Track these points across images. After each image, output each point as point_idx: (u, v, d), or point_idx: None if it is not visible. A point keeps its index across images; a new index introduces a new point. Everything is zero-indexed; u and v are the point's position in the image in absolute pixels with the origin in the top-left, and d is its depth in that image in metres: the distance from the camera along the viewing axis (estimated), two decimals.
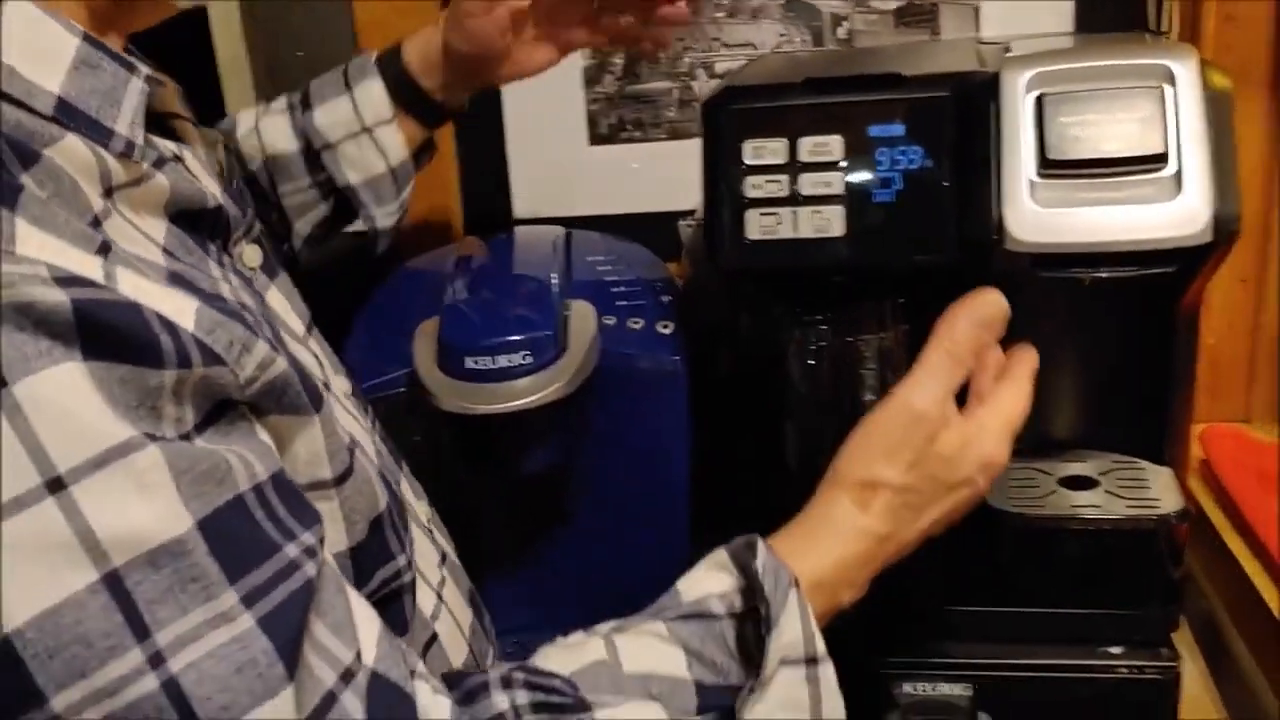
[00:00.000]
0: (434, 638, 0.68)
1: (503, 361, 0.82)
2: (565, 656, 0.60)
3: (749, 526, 0.86)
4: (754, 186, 0.79)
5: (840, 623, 0.76)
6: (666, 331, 0.93)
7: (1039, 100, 0.72)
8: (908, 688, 0.84)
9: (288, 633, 0.47)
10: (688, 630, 0.61)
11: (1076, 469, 0.86)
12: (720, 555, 0.65)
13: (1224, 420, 1.13)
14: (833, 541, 0.67)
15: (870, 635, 0.84)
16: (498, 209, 1.20)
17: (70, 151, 0.50)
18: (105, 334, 0.44)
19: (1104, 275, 0.73)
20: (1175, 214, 0.70)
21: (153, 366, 0.45)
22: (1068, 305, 0.84)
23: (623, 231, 1.12)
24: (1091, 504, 0.82)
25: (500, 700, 0.55)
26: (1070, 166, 0.72)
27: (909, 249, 0.76)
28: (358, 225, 0.94)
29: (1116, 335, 0.85)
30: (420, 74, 0.92)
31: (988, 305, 0.70)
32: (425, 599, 0.68)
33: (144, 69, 0.57)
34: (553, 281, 0.90)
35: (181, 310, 0.48)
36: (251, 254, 0.66)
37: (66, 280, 0.44)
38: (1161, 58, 0.72)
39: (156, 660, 0.43)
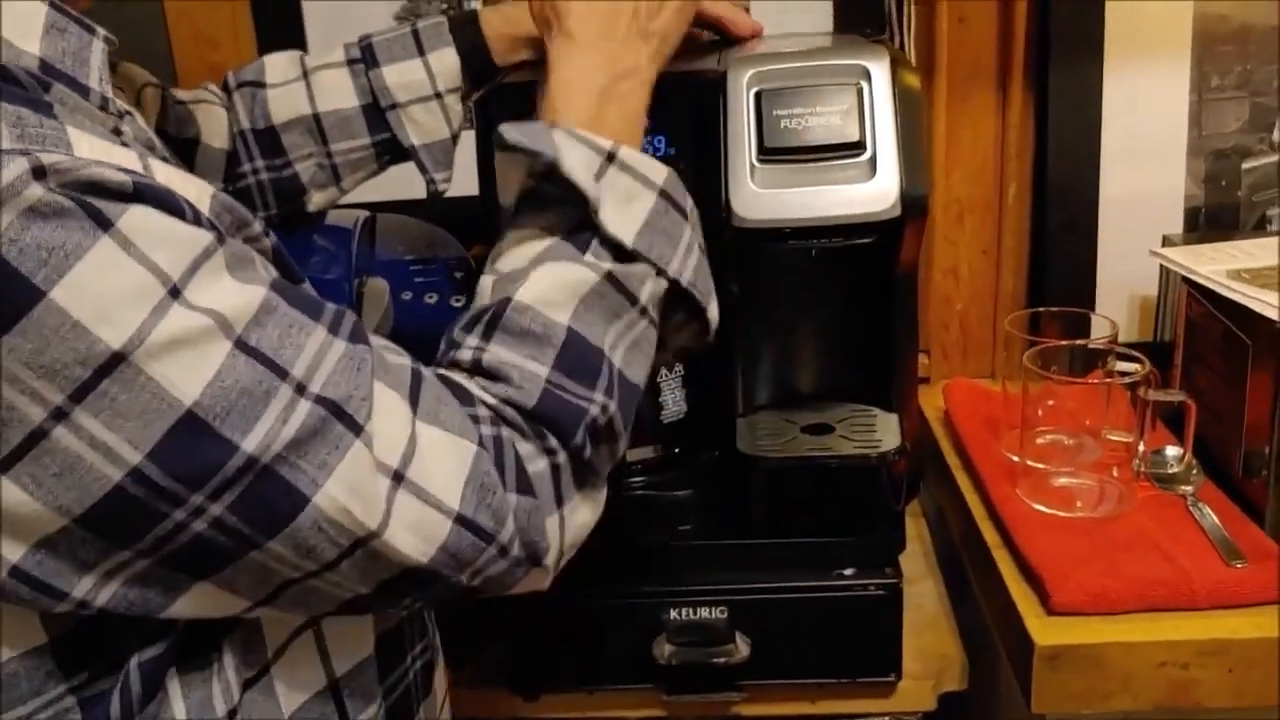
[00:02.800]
0: None
1: None
2: (474, 305, 0.69)
3: None
4: None
5: (614, 563, 0.88)
6: (459, 305, 1.02)
7: (757, 96, 0.84)
8: (673, 614, 0.95)
9: (368, 342, 0.59)
10: (522, 220, 0.71)
11: (817, 418, 0.98)
12: (498, 160, 0.74)
13: (973, 376, 1.27)
14: (552, 73, 0.73)
15: (639, 571, 0.96)
16: None
17: (59, 90, 0.58)
18: (155, 203, 0.53)
19: (814, 246, 0.85)
20: (871, 193, 0.82)
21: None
22: (804, 275, 0.96)
23: (438, 215, 1.19)
24: (824, 445, 0.95)
25: (466, 353, 0.65)
26: (784, 153, 0.83)
27: None
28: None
29: (848, 300, 0.97)
30: (499, 53, 0.95)
31: None
32: None
33: (101, 30, 0.64)
34: (351, 259, 0.99)
35: (200, 196, 0.57)
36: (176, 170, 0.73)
37: (122, 169, 0.53)
38: (860, 59, 0.84)
39: (300, 388, 0.55)
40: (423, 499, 0.58)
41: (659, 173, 0.71)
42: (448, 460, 0.59)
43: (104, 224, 0.51)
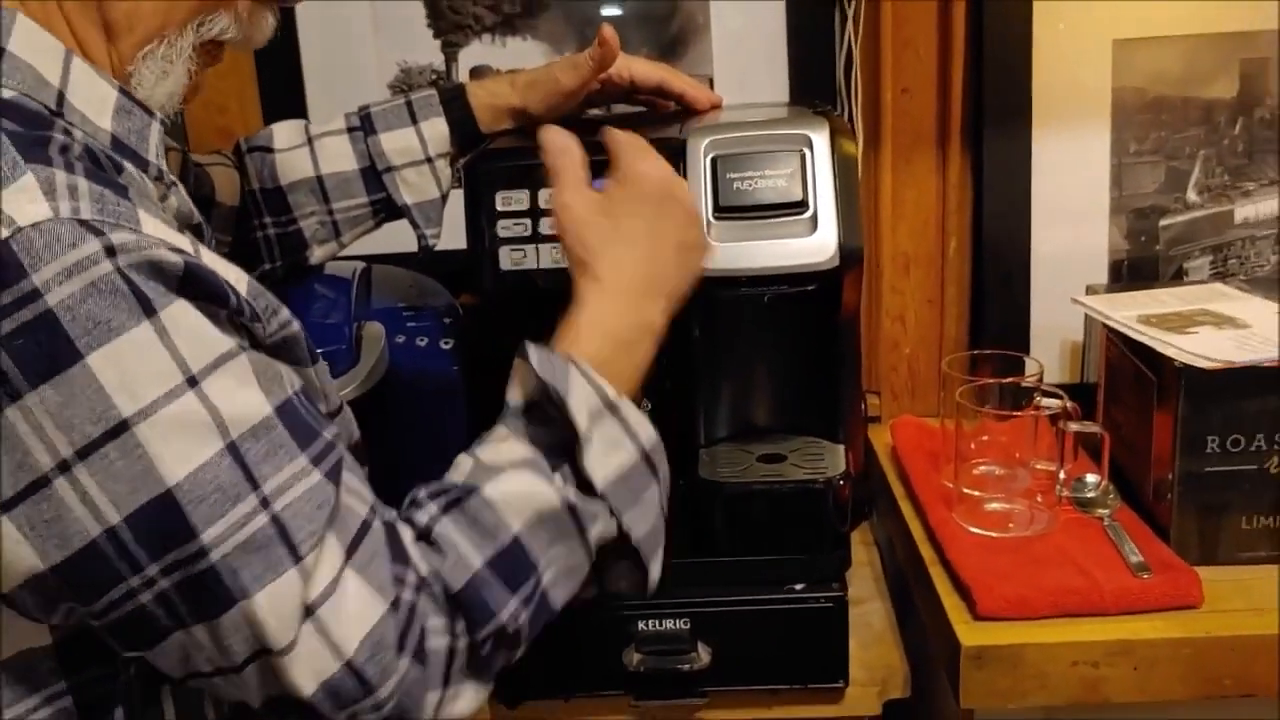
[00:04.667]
0: None
1: None
2: (447, 476, 0.76)
3: None
4: (504, 228, 0.99)
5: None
6: (447, 347, 1.13)
7: (714, 161, 0.95)
8: (641, 625, 1.04)
9: (338, 483, 0.66)
10: (518, 424, 0.76)
11: (771, 448, 1.08)
12: (516, 364, 0.78)
13: (920, 415, 1.38)
14: (579, 310, 0.80)
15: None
16: None
17: (130, 173, 0.68)
18: (199, 285, 0.62)
19: (765, 293, 0.96)
20: (812, 246, 0.94)
21: (222, 307, 0.63)
22: (758, 319, 1.07)
23: (428, 267, 1.29)
24: (777, 473, 1.05)
25: (422, 516, 0.71)
26: (737, 211, 0.94)
27: None
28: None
29: (798, 341, 1.08)
30: (485, 122, 1.06)
31: (550, 131, 0.86)
32: None
33: (158, 114, 0.74)
34: (350, 305, 1.09)
35: (238, 280, 0.66)
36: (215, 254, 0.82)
37: (176, 250, 0.62)
38: (803, 129, 0.95)
39: (265, 502, 0.62)
40: (325, 637, 0.64)
41: (648, 436, 0.78)
42: (359, 612, 0.65)
43: (149, 310, 0.60)
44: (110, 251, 0.59)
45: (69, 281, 0.58)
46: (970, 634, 0.94)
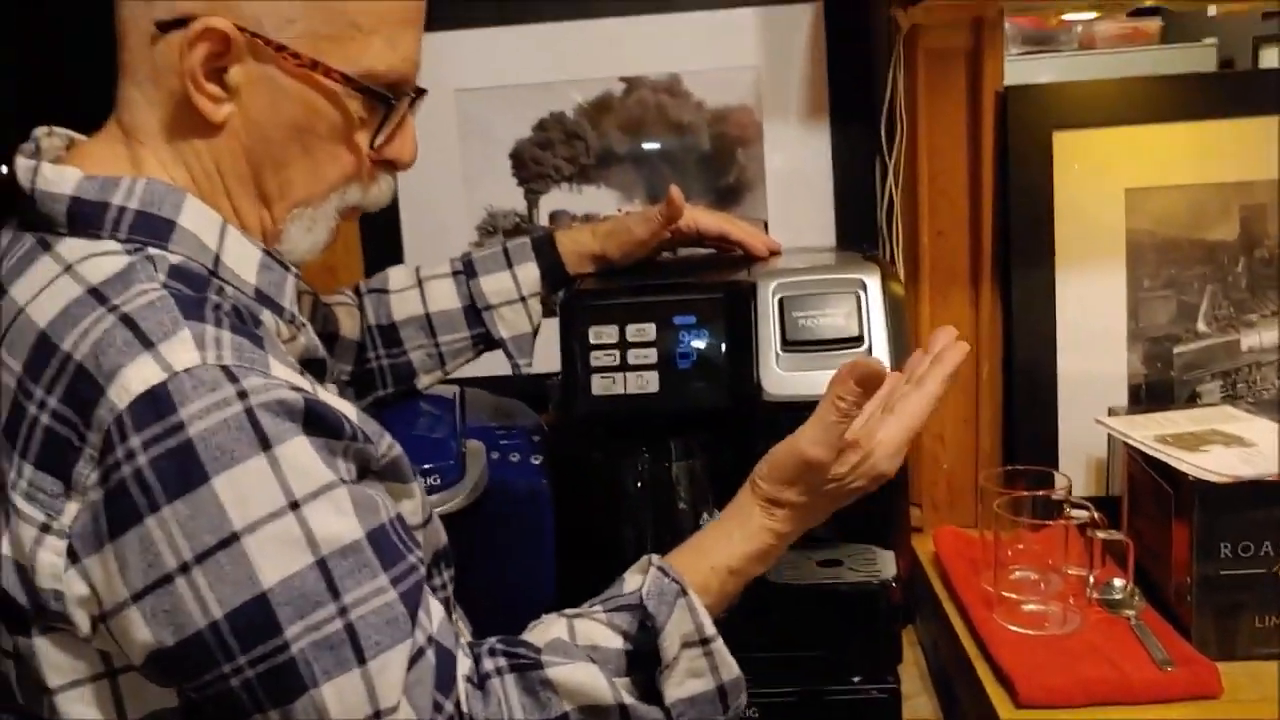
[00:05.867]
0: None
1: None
2: (538, 631, 0.87)
3: None
4: (595, 358, 1.13)
5: None
6: (537, 463, 1.26)
7: (781, 301, 1.09)
8: None
9: (413, 606, 0.76)
10: (620, 617, 0.87)
11: (829, 554, 1.21)
12: (643, 560, 0.90)
13: (959, 525, 1.49)
14: (743, 539, 0.91)
15: None
16: None
17: (267, 319, 0.83)
18: (318, 419, 0.74)
19: None
20: None
21: (338, 438, 0.75)
22: None
23: (507, 389, 1.44)
24: (836, 575, 1.17)
25: (488, 664, 0.82)
26: (802, 344, 1.08)
27: (701, 400, 1.11)
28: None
29: None
30: (571, 265, 1.22)
31: (866, 367, 0.88)
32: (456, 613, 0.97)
33: (293, 269, 0.88)
34: (455, 423, 1.23)
35: (347, 410, 0.78)
36: (332, 390, 0.94)
37: (297, 389, 0.75)
38: (858, 273, 1.10)
39: (343, 611, 0.73)
40: None
41: (730, 672, 0.87)
42: None
43: (265, 445, 0.72)
44: (242, 395, 0.73)
45: (207, 417, 0.72)
46: None
